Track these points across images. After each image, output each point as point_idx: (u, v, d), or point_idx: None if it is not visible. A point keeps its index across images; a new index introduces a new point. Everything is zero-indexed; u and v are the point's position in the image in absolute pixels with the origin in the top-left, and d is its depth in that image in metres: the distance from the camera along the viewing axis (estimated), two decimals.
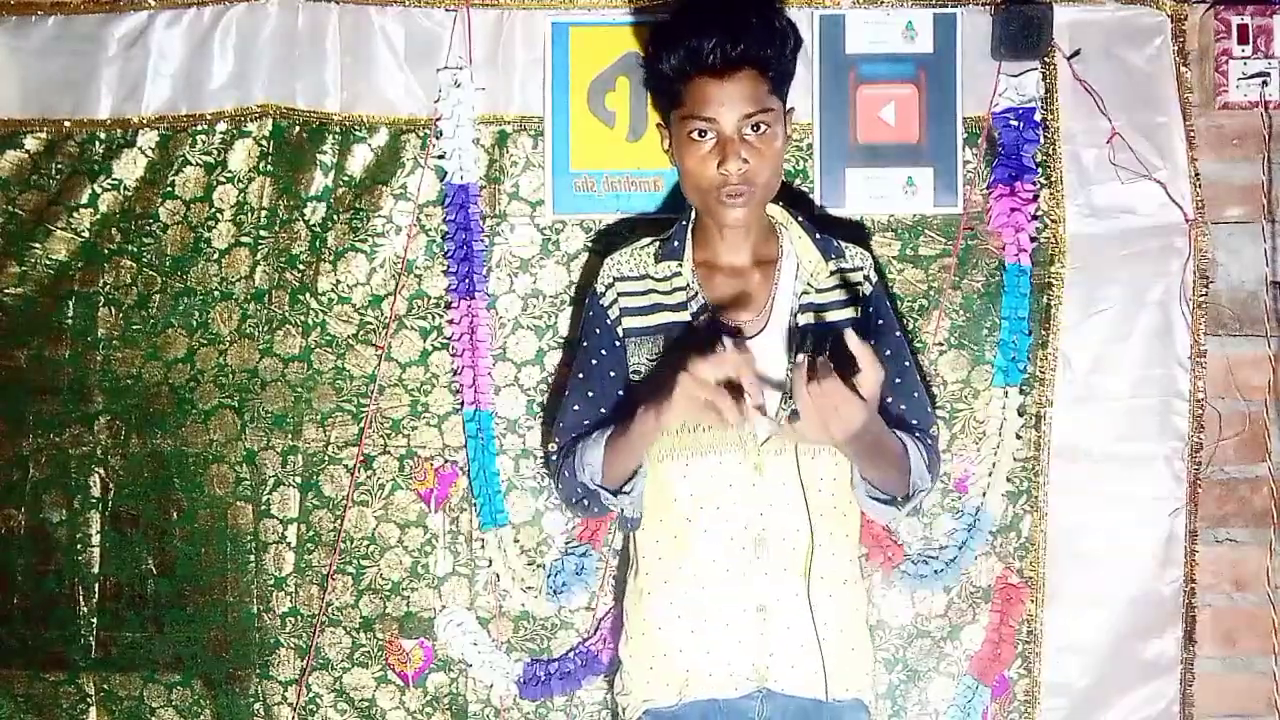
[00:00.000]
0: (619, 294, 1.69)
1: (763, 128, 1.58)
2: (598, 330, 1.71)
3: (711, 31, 1.54)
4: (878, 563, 1.96)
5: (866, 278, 1.71)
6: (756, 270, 1.68)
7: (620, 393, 1.69)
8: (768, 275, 1.68)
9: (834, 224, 1.93)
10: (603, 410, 1.69)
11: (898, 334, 1.73)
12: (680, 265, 1.67)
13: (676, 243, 1.69)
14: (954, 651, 1.99)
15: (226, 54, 1.98)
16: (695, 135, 1.59)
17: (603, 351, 1.70)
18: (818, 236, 1.70)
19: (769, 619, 1.61)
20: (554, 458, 1.72)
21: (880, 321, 1.71)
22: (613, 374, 1.69)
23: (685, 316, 1.65)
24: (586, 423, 1.69)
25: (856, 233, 1.95)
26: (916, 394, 1.72)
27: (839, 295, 1.68)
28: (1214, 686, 2.00)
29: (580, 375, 1.72)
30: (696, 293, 1.65)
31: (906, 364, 1.73)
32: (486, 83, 1.97)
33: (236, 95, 1.98)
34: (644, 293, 1.68)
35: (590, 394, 1.70)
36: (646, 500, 1.67)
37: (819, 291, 1.67)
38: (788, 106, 1.66)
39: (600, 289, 1.71)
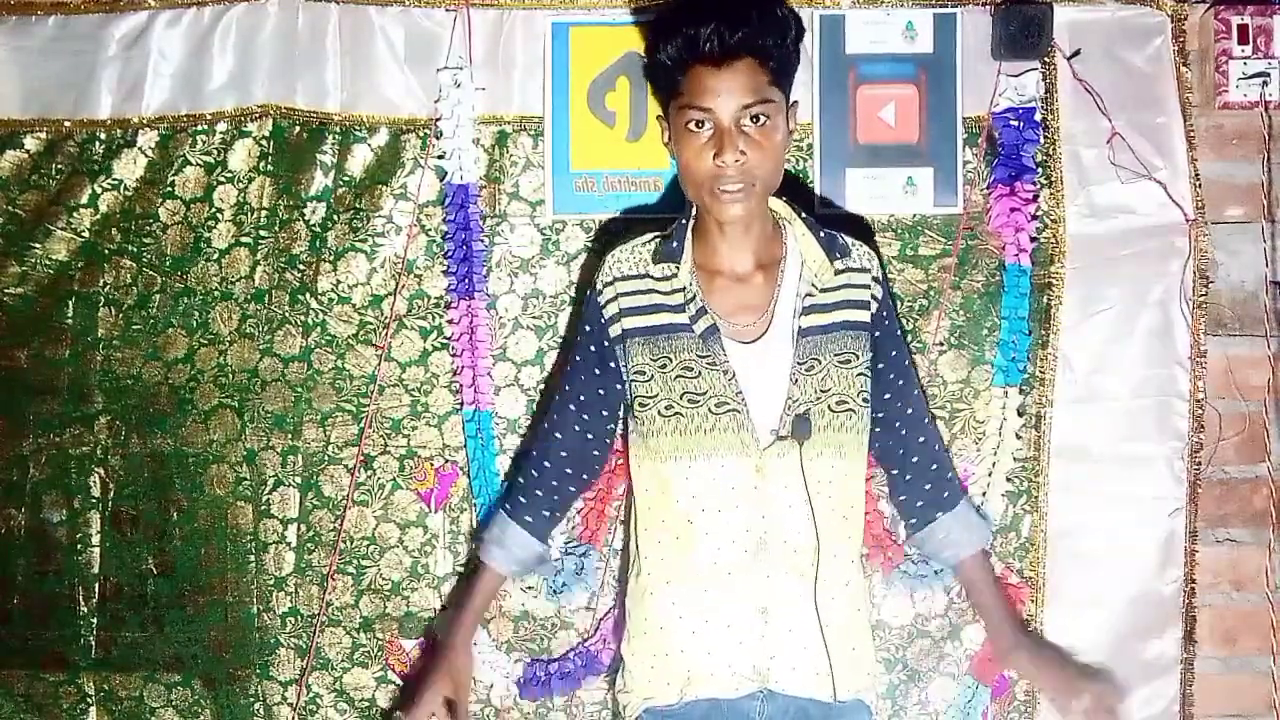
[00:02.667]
0: (618, 293, 1.67)
1: (762, 120, 1.55)
2: (588, 328, 1.71)
3: (710, 19, 1.52)
4: (878, 563, 1.96)
5: (875, 279, 1.70)
6: (759, 272, 1.67)
7: (602, 391, 1.70)
8: (771, 277, 1.67)
9: (836, 221, 1.92)
10: (582, 398, 1.72)
11: (898, 334, 1.75)
12: (678, 267, 1.66)
13: (675, 243, 1.67)
14: (954, 651, 1.99)
15: (226, 54, 1.98)
16: (692, 126, 1.57)
17: (591, 349, 1.70)
18: (822, 234, 1.68)
19: (770, 621, 1.61)
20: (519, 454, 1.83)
21: (887, 323, 1.72)
22: (598, 371, 1.69)
23: (685, 318, 1.64)
24: (555, 417, 1.76)
25: (859, 228, 1.94)
26: (917, 391, 1.78)
27: (843, 296, 1.67)
28: (1214, 686, 2.00)
29: (568, 370, 1.75)
30: (694, 295, 1.64)
31: (908, 363, 1.77)
32: (486, 83, 1.98)
33: (236, 95, 1.98)
34: (645, 291, 1.67)
35: (566, 387, 1.74)
36: (649, 500, 1.67)
37: (823, 291, 1.66)
38: (791, 100, 1.63)
39: (599, 286, 1.69)
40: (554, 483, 1.76)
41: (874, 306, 1.69)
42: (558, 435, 1.75)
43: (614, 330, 1.67)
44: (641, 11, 1.95)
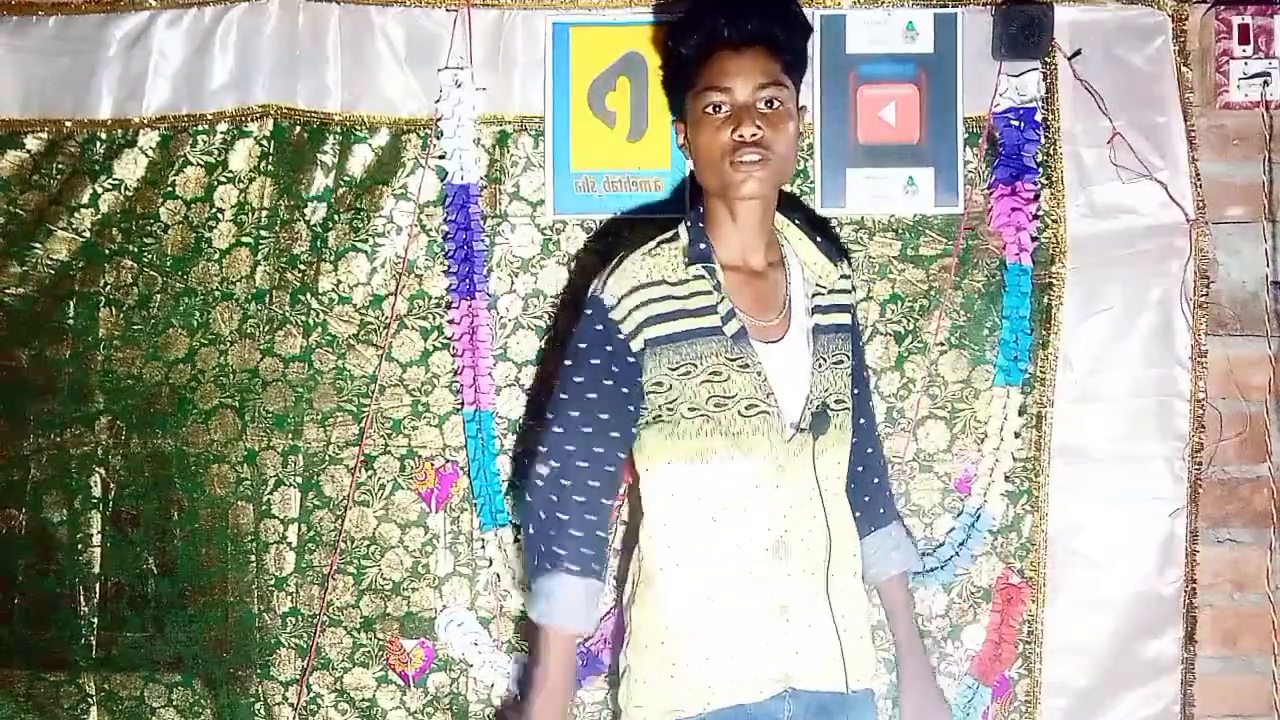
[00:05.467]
0: (638, 303, 1.60)
1: (776, 104, 1.61)
2: (609, 348, 1.60)
3: (727, 8, 1.61)
4: None
5: (854, 286, 1.78)
6: (770, 271, 1.67)
7: (631, 409, 1.61)
8: (780, 275, 1.68)
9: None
10: (611, 421, 1.60)
11: (859, 343, 1.81)
12: (712, 266, 1.61)
13: (703, 244, 1.63)
14: (955, 651, 1.99)
15: (227, 54, 1.98)
16: (710, 110, 1.61)
17: (613, 368, 1.60)
18: (818, 240, 1.71)
19: (791, 618, 1.59)
20: (539, 483, 1.61)
21: (853, 330, 1.75)
22: (625, 390, 1.60)
23: (710, 322, 1.60)
24: (577, 448, 1.59)
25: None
26: (870, 404, 1.83)
27: (835, 300, 1.70)
28: (1214, 686, 2.01)
29: (572, 393, 1.61)
30: (725, 296, 1.61)
31: (866, 374, 1.84)
32: (487, 83, 1.98)
33: (237, 95, 1.98)
34: (662, 299, 1.61)
35: (576, 414, 1.60)
36: (662, 507, 1.64)
37: (830, 293, 1.69)
38: (800, 104, 1.68)
39: (610, 304, 1.60)
40: (592, 514, 1.61)
41: (851, 311, 1.74)
42: (582, 465, 1.60)
43: (635, 345, 1.60)
44: (641, 11, 1.95)
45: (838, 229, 1.98)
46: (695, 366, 1.59)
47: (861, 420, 1.77)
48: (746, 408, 1.59)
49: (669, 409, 1.61)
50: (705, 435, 1.59)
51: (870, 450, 1.80)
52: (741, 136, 1.58)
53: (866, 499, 1.78)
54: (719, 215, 1.66)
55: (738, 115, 1.59)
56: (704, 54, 1.62)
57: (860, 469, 1.76)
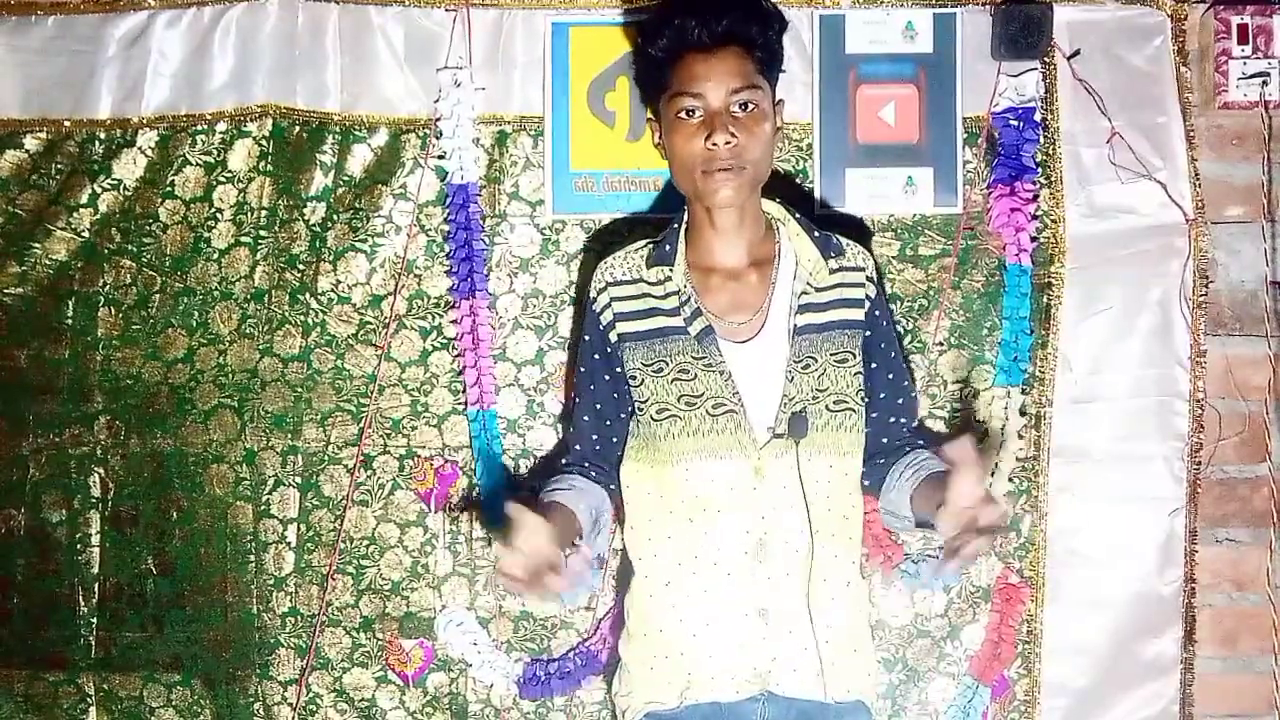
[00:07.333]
0: (612, 299, 1.68)
1: (750, 107, 1.59)
2: (588, 337, 1.72)
3: (697, 9, 1.58)
4: (878, 563, 1.96)
5: (869, 279, 1.70)
6: (753, 270, 1.67)
7: (616, 395, 1.71)
8: (765, 275, 1.67)
9: (834, 222, 1.92)
10: (598, 406, 1.72)
11: (893, 334, 1.76)
12: (671, 270, 1.66)
13: (668, 246, 1.68)
14: (954, 651, 1.99)
15: (226, 54, 1.98)
16: (683, 114, 1.60)
17: (595, 356, 1.71)
18: (816, 234, 1.69)
19: (770, 622, 1.60)
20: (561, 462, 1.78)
21: (884, 324, 1.72)
22: (607, 378, 1.71)
23: (680, 321, 1.64)
24: (573, 430, 1.76)
25: (857, 230, 1.94)
26: (915, 393, 1.78)
27: (838, 295, 1.67)
28: (1214, 686, 2.01)
29: (577, 381, 1.76)
30: (689, 297, 1.64)
31: (905, 365, 1.78)
32: (486, 83, 1.98)
33: (236, 95, 1.98)
34: (638, 296, 1.67)
35: (578, 399, 1.75)
36: (645, 502, 1.68)
37: (819, 290, 1.66)
38: (777, 98, 1.67)
39: (593, 294, 1.71)
40: (588, 465, 1.74)
41: (868, 305, 1.69)
42: (576, 447, 1.76)
43: (612, 336, 1.68)
44: (641, 11, 1.95)
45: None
46: (666, 364, 1.64)
47: (893, 419, 1.72)
48: (714, 407, 1.61)
49: (642, 407, 1.66)
50: (675, 436, 1.63)
51: (919, 439, 1.73)
52: (715, 145, 1.57)
53: (880, 461, 1.71)
54: (698, 217, 1.68)
55: (710, 121, 1.58)
56: (674, 56, 1.60)
57: (880, 460, 1.71)
